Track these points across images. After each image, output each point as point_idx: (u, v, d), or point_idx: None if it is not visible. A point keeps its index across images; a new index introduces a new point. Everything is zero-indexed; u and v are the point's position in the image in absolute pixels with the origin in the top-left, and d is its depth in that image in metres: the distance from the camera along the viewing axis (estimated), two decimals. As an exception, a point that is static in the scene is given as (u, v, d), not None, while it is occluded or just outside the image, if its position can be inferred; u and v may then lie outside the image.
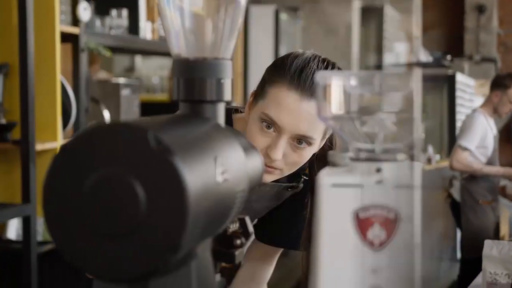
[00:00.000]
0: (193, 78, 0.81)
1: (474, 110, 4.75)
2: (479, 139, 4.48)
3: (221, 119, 0.82)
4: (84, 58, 2.71)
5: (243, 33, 4.73)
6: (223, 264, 0.93)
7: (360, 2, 6.13)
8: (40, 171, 2.45)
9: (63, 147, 0.64)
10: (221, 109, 0.83)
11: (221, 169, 0.70)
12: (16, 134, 2.45)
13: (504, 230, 4.89)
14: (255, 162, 0.87)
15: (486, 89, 8.56)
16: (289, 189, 1.43)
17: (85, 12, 2.69)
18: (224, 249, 0.88)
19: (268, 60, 5.94)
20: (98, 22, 3.04)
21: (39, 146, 2.46)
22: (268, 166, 1.28)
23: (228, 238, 0.89)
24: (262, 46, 5.17)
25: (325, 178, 0.70)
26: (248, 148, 0.87)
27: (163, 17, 0.84)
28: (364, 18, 7.01)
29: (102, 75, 4.08)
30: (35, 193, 2.38)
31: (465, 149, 4.43)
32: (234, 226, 0.90)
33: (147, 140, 0.61)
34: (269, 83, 1.28)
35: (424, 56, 5.55)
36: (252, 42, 4.88)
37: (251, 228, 0.92)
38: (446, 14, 7.99)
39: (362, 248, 0.69)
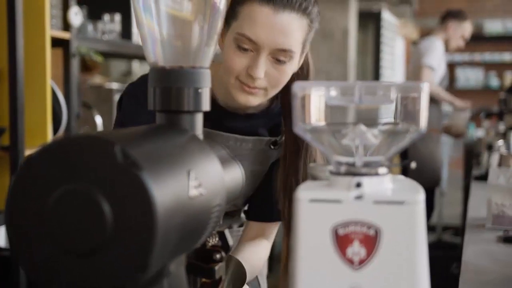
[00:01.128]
0: (170, 87, 0.78)
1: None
2: (439, 60, 4.51)
3: (198, 129, 0.80)
4: (75, 63, 2.68)
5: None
6: (203, 280, 0.90)
7: (357, 5, 6.11)
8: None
9: (28, 159, 0.61)
10: (199, 119, 0.80)
11: (195, 183, 0.67)
12: (5, 140, 2.42)
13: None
14: (234, 174, 0.84)
15: (408, 29, 8.70)
16: (272, 146, 1.41)
17: (76, 17, 2.66)
18: (203, 264, 0.85)
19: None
20: (90, 27, 3.01)
21: (28, 152, 2.43)
22: (252, 86, 1.26)
23: (207, 253, 0.86)
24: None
25: (303, 192, 0.67)
26: (227, 160, 0.84)
27: (139, 24, 0.81)
28: (361, 23, 7.02)
29: (97, 79, 4.06)
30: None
31: (431, 67, 4.44)
32: (213, 240, 0.87)
33: (114, 154, 0.58)
34: (239, 2, 1.25)
35: None
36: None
37: (231, 241, 0.89)
38: None
39: (341, 266, 0.66)
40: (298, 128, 0.69)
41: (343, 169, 0.69)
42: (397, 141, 0.69)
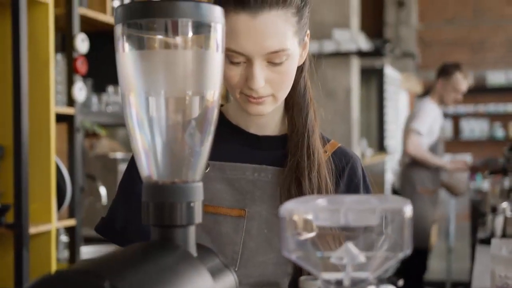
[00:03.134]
0: (163, 202, 0.80)
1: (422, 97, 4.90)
2: (429, 124, 4.51)
3: (191, 242, 0.81)
4: (79, 137, 2.72)
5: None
6: None
7: (359, 63, 6.19)
8: (33, 255, 2.43)
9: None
10: (191, 232, 0.81)
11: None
12: (9, 217, 2.44)
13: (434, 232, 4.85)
14: (227, 283, 0.85)
15: (411, 83, 8.79)
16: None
17: (80, 92, 2.71)
18: None
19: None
20: (95, 99, 3.06)
21: (33, 229, 2.45)
22: (256, 97, 1.17)
23: None
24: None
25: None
26: (220, 269, 0.85)
27: (133, 139, 0.84)
28: (364, 79, 7.10)
29: (104, 143, 4.09)
30: (28, 278, 2.35)
31: (419, 132, 4.45)
32: None
33: (104, 289, 0.59)
34: None
35: (364, 44, 5.66)
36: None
37: None
38: (366, 8, 8.11)
39: None
40: (285, 249, 0.71)
41: (331, 287, 0.70)
42: (385, 260, 0.70)
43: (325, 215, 0.70)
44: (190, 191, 0.81)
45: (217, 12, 0.80)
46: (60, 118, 2.68)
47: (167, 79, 0.81)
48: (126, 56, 0.80)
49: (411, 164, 4.56)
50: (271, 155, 1.29)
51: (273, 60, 1.15)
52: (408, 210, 0.69)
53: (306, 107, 1.30)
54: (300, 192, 1.21)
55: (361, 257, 0.69)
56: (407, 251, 0.69)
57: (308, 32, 1.24)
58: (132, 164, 1.31)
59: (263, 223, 1.25)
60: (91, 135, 3.89)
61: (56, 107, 2.61)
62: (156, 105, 0.81)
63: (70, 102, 2.71)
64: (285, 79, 1.18)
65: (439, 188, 4.72)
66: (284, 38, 1.14)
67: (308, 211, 0.71)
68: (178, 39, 0.79)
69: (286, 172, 1.24)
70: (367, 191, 1.34)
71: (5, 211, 2.42)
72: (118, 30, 0.79)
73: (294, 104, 1.30)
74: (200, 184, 0.83)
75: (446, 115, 10.34)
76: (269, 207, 1.24)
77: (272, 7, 1.12)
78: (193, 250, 0.81)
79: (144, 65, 0.81)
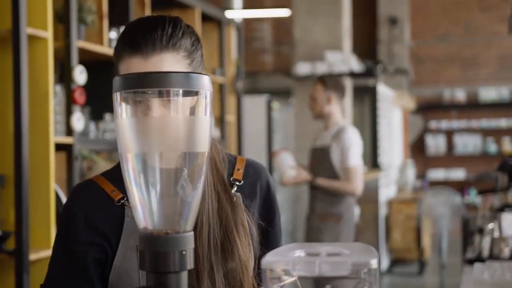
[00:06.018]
0: (157, 251, 0.89)
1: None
2: None
3: (183, 287, 0.90)
4: (77, 165, 2.81)
5: (237, 123, 4.85)
6: None
7: (353, 82, 6.29)
8: (34, 281, 2.50)
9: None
10: (184, 277, 0.90)
11: None
12: (10, 244, 2.52)
13: None
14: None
15: (404, 100, 8.89)
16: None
17: (78, 122, 2.80)
18: None
19: (262, 149, 5.93)
20: (93, 126, 3.15)
21: (33, 256, 2.53)
22: None
23: None
24: (255, 135, 5.29)
25: None
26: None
27: (130, 193, 0.93)
28: (357, 97, 7.21)
29: (102, 166, 4.16)
30: (28, 304, 2.43)
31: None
32: None
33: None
34: (117, 61, 1.26)
35: (356, 65, 5.74)
36: (246, 132, 5.00)
37: None
38: (359, 25, 8.22)
39: None
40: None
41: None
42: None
43: (302, 266, 0.79)
44: (182, 241, 0.90)
45: (205, 80, 0.90)
46: (59, 147, 2.77)
47: (161, 141, 0.90)
48: (124, 121, 0.90)
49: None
50: None
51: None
52: (374, 262, 0.78)
53: None
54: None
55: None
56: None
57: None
58: (70, 219, 1.29)
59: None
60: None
61: (55, 137, 2.70)
62: (151, 163, 0.91)
63: (69, 131, 2.81)
64: None
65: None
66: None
67: (288, 264, 0.80)
68: (171, 106, 0.89)
69: None
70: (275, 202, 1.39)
71: (6, 238, 2.50)
72: (117, 97, 0.89)
73: None
74: (191, 234, 0.92)
75: (439, 131, 10.48)
76: None
77: (162, 50, 1.22)
78: (185, 295, 0.89)
79: (140, 129, 0.90)
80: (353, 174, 3.87)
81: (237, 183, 1.33)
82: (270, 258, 0.81)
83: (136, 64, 1.22)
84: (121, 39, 1.26)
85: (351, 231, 3.99)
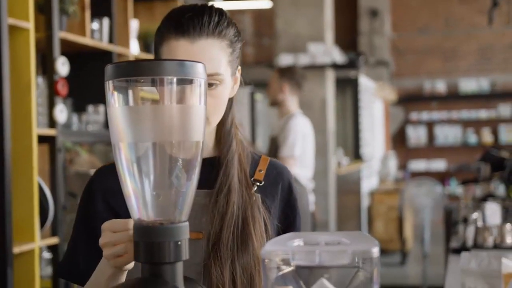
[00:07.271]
0: (152, 242, 0.88)
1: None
2: None
3: (179, 277, 0.88)
4: (60, 157, 2.77)
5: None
6: None
7: (334, 74, 6.30)
8: (17, 274, 2.47)
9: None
10: (179, 268, 0.89)
11: None
12: (-7, 238, 2.49)
13: None
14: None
15: (386, 91, 8.94)
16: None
17: (61, 114, 2.77)
18: None
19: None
20: (75, 118, 3.11)
21: (16, 249, 2.50)
22: None
23: None
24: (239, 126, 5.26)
25: None
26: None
27: (124, 184, 0.91)
28: (339, 89, 7.22)
29: (84, 158, 4.12)
30: (13, 298, 2.40)
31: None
32: None
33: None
34: (158, 42, 1.27)
35: (338, 57, 5.77)
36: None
37: None
38: (340, 18, 8.22)
39: None
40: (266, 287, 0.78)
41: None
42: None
43: (302, 255, 0.78)
44: (177, 231, 0.89)
45: (199, 68, 0.88)
46: (42, 139, 2.73)
47: (154, 130, 0.88)
48: (116, 110, 0.88)
49: None
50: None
51: (208, 82, 1.22)
52: (376, 251, 0.77)
53: (230, 142, 1.33)
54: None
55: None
56: (376, 286, 0.77)
57: (240, 68, 1.34)
58: (88, 200, 1.32)
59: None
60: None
61: (38, 129, 2.67)
62: (144, 152, 0.89)
63: (52, 123, 2.77)
64: (218, 103, 1.25)
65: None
66: (219, 64, 1.25)
67: (287, 253, 0.79)
68: (164, 94, 0.87)
69: (215, 193, 1.28)
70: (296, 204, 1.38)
71: (-11, 232, 2.46)
72: (109, 86, 0.87)
73: (221, 136, 1.34)
74: (186, 224, 0.91)
75: (420, 122, 10.54)
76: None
77: (208, 35, 1.24)
78: (180, 285, 0.88)
79: (133, 118, 0.88)
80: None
81: (258, 183, 1.32)
82: (269, 248, 0.80)
83: (181, 46, 1.23)
84: (167, 21, 1.26)
85: (306, 220, 3.97)
